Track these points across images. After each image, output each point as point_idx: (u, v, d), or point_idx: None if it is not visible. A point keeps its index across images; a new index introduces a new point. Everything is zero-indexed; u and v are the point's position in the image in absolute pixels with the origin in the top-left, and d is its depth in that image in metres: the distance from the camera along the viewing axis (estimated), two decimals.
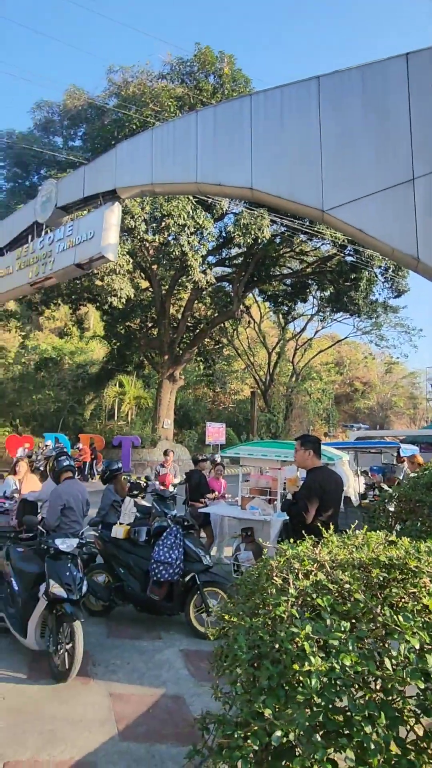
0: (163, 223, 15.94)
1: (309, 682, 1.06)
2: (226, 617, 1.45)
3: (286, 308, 27.48)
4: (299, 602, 1.32)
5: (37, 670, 3.65)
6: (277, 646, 1.19)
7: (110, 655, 3.96)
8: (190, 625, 4.39)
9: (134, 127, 15.05)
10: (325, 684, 1.06)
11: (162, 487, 6.95)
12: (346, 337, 37.80)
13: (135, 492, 6.03)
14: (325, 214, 6.66)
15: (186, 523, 4.75)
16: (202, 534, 6.45)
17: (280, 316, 31.03)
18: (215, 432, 22.18)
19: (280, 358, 33.39)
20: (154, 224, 16.54)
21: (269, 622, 1.26)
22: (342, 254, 20.04)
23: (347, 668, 1.11)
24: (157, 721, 3.04)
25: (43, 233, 11.60)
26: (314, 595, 1.31)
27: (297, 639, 1.17)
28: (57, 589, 3.49)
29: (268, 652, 1.19)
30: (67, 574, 3.59)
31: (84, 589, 3.67)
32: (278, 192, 7.22)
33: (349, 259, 20.57)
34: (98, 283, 17.33)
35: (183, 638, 4.33)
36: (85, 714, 3.10)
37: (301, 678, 1.09)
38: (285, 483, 5.95)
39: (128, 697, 3.32)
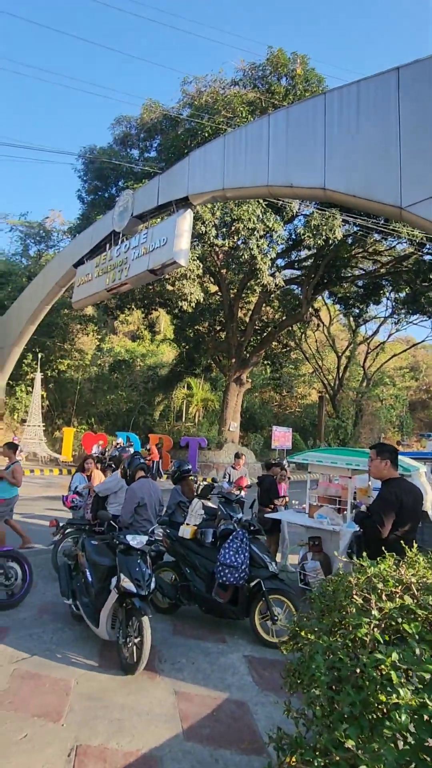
0: (233, 228, 16.06)
1: (398, 717, 0.98)
2: (302, 632, 1.39)
3: (357, 311, 26.46)
4: (382, 626, 1.23)
5: (108, 659, 3.80)
6: (358, 670, 1.12)
7: (176, 653, 4.03)
8: (254, 631, 4.35)
9: (206, 135, 15.33)
10: (416, 720, 0.98)
11: (236, 491, 6.95)
12: (422, 341, 35.62)
13: (209, 495, 6.10)
14: (404, 211, 6.33)
15: (252, 528, 4.72)
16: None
17: (351, 318, 29.94)
18: (281, 436, 21.82)
19: (350, 362, 32.22)
20: (224, 229, 16.72)
21: (349, 644, 1.19)
22: (420, 253, 18.92)
23: None
24: (221, 725, 3.04)
25: (119, 242, 12.20)
26: (400, 620, 1.22)
27: (382, 666, 1.09)
28: (127, 584, 3.61)
29: (348, 677, 1.12)
30: (137, 569, 3.71)
31: (152, 585, 3.77)
32: (352, 190, 6.99)
33: (427, 257, 19.37)
34: (169, 287, 17.86)
35: (247, 644, 4.30)
36: (152, 708, 3.17)
37: (387, 710, 1.01)
38: (356, 492, 5.71)
39: (192, 697, 3.35)
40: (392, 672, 1.06)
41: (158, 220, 11.76)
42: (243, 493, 8.26)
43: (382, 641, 1.17)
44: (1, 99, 76.37)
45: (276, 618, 4.24)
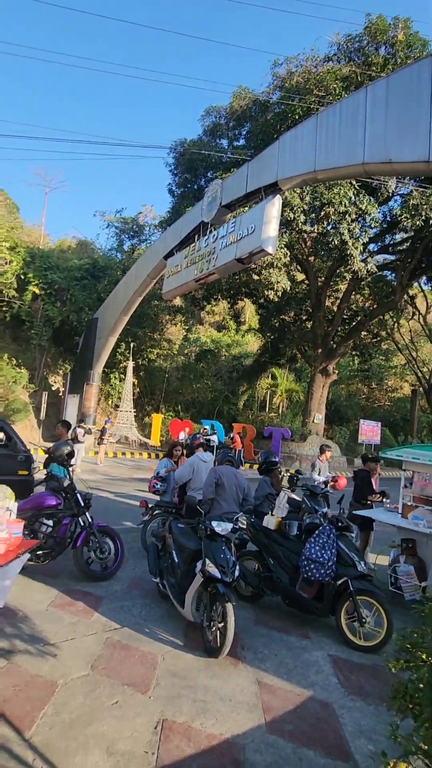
0: (323, 212, 15.43)
1: None
2: (414, 650, 1.24)
3: None
4: None
5: (192, 639, 3.89)
6: None
7: (258, 643, 4.01)
8: (340, 631, 4.18)
9: (297, 117, 14.81)
10: None
11: (333, 490, 6.71)
12: None
13: (294, 486, 5.99)
14: None
15: (340, 524, 4.52)
16: None
17: None
18: (369, 430, 20.78)
19: None
20: (313, 214, 16.13)
21: None
22: None
23: None
24: (305, 723, 2.96)
25: (208, 232, 12.32)
26: None
27: None
28: (212, 569, 3.65)
29: None
30: (222, 556, 3.74)
31: (236, 572, 3.77)
32: None
33: None
34: (255, 277, 17.72)
35: (332, 643, 4.15)
36: (234, 694, 3.19)
37: None
38: None
39: (275, 690, 3.31)
40: None
41: (246, 208, 11.66)
42: (329, 487, 7.98)
43: None
44: (99, 99, 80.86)
45: (364, 620, 4.04)
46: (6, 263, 18.12)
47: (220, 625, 3.59)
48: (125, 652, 3.60)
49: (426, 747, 1.01)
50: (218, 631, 3.61)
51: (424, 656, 1.23)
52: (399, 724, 1.15)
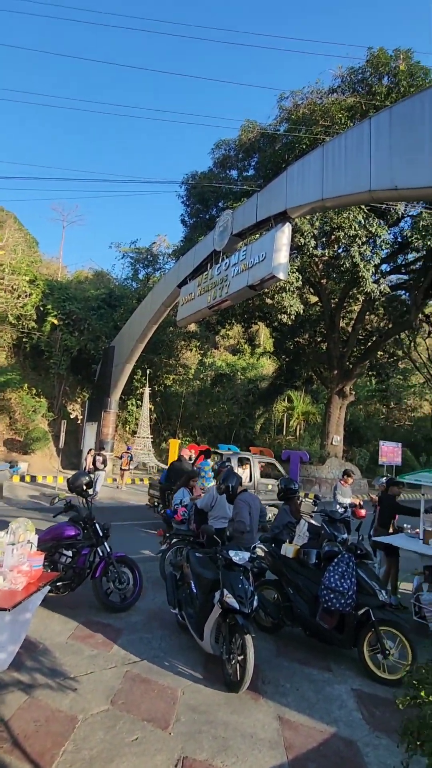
0: (333, 237, 15.63)
1: None
2: (422, 692, 1.25)
3: None
4: None
5: (212, 672, 3.85)
6: None
7: (279, 676, 3.94)
8: (363, 663, 4.08)
9: (304, 147, 15.23)
10: None
11: (355, 518, 6.66)
12: None
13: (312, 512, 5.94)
14: None
15: (359, 552, 4.46)
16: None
17: None
18: (390, 452, 20.38)
19: None
20: (324, 239, 16.36)
21: None
22: None
23: None
24: (329, 762, 2.88)
25: (220, 260, 12.61)
26: None
27: None
28: (230, 599, 3.64)
29: None
30: (240, 586, 3.72)
31: (255, 603, 3.75)
32: None
33: None
34: (268, 301, 17.92)
35: (355, 676, 4.05)
36: (255, 731, 3.13)
37: None
38: None
39: (297, 726, 3.24)
40: None
41: (257, 236, 11.92)
42: (348, 512, 7.86)
43: None
44: (110, 139, 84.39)
45: (388, 652, 3.94)
46: (26, 296, 18.77)
47: (240, 658, 3.56)
48: (145, 686, 3.59)
49: None
50: (238, 664, 3.57)
51: (422, 693, 1.24)
52: (409, 761, 1.15)
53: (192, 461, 9.57)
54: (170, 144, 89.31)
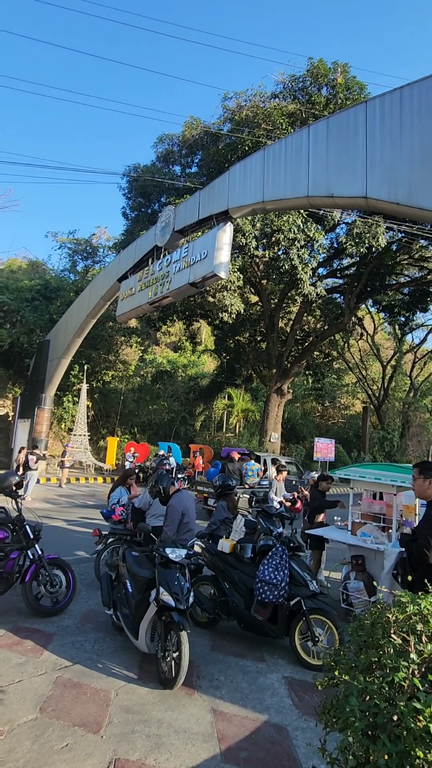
0: (273, 239, 16.04)
1: None
2: (336, 672, 1.33)
3: (403, 319, 25.61)
4: (422, 670, 1.16)
5: (147, 672, 3.82)
6: (395, 718, 1.05)
7: (214, 670, 4.00)
8: (294, 651, 4.24)
9: (246, 148, 15.48)
10: None
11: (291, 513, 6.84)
12: None
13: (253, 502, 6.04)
14: None
15: (292, 544, 4.62)
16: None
17: (396, 327, 29.01)
18: (324, 448, 21.38)
19: (395, 372, 31.14)
20: (264, 240, 16.74)
21: (386, 687, 1.12)
22: None
23: None
24: (260, 749, 2.97)
25: (161, 256, 12.50)
26: None
27: (420, 717, 1.02)
28: (166, 597, 3.63)
29: (385, 724, 1.06)
30: (176, 583, 3.73)
31: (191, 599, 3.77)
32: (395, 198, 6.83)
33: None
34: (210, 299, 18.04)
35: (287, 664, 4.20)
36: (189, 726, 3.16)
37: (426, 766, 0.94)
38: (401, 511, 5.49)
39: (231, 717, 3.31)
40: (431, 724, 0.99)
41: (199, 234, 11.95)
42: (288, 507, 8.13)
43: (421, 688, 1.10)
44: (51, 125, 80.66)
45: (317, 639, 4.12)
46: None
47: (175, 655, 3.56)
48: (76, 690, 3.49)
49: (348, 758, 1.09)
50: (173, 661, 3.57)
51: (336, 672, 1.32)
52: (326, 739, 1.22)
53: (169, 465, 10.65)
54: (113, 134, 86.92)
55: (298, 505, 7.87)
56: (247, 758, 2.87)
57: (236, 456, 11.59)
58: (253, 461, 11.73)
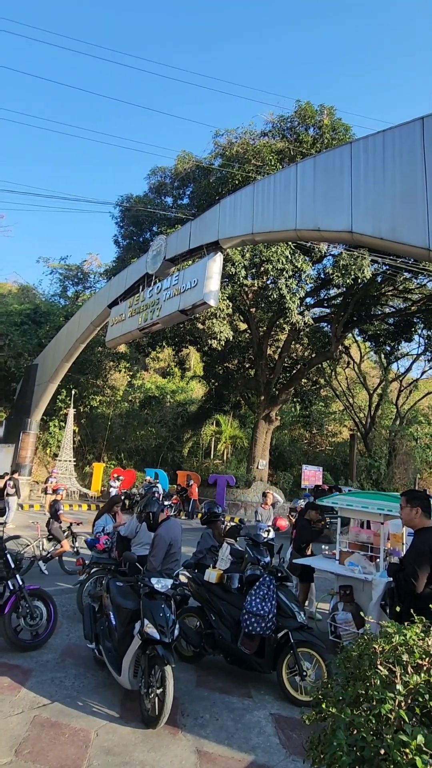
0: (262, 268, 16.42)
1: None
2: (323, 705, 1.31)
3: (388, 348, 26.10)
4: (408, 701, 1.15)
5: (129, 710, 3.68)
6: (382, 752, 1.04)
7: (199, 707, 3.86)
8: (282, 687, 4.12)
9: (237, 182, 16.02)
10: None
11: (267, 533, 6.76)
12: None
13: (236, 536, 5.95)
14: None
15: (280, 575, 4.56)
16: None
17: (382, 356, 29.50)
18: (311, 475, 21.36)
19: (382, 400, 31.47)
20: (253, 270, 17.13)
21: (373, 720, 1.11)
22: None
23: None
24: None
25: (152, 283, 12.68)
26: (426, 696, 1.14)
27: (407, 750, 1.01)
28: (151, 630, 3.53)
29: (372, 758, 1.04)
30: (161, 615, 3.63)
31: (176, 632, 3.66)
32: (379, 233, 7.09)
33: None
34: (199, 326, 18.23)
35: (274, 700, 4.08)
36: None
37: None
38: (389, 540, 5.47)
39: (216, 758, 3.18)
40: (417, 757, 0.98)
41: (189, 262, 12.19)
42: (272, 534, 8.03)
43: (407, 720, 1.09)
44: (47, 155, 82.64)
45: (305, 673, 4.02)
46: None
47: (159, 691, 3.44)
48: (55, 730, 3.33)
49: None
50: (156, 698, 3.44)
51: (323, 706, 1.30)
52: None
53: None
54: (106, 165, 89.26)
55: (284, 522, 7.82)
56: None
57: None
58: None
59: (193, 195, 20.30)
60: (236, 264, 15.23)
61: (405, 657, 1.24)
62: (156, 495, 5.58)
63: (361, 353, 31.21)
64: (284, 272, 15.32)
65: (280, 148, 17.24)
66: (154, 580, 3.83)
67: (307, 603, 6.40)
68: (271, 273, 15.65)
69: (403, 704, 1.14)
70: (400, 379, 31.77)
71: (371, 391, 30.91)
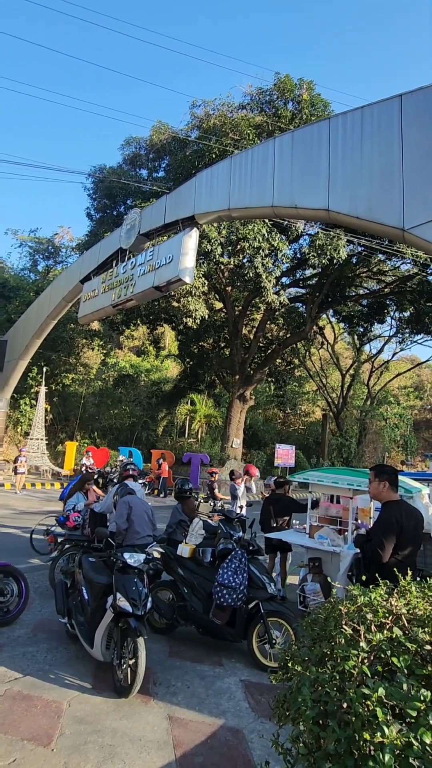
0: (239, 246, 16.25)
1: (381, 757, 0.94)
2: (290, 664, 1.35)
3: (361, 329, 26.54)
4: (371, 658, 1.20)
5: (102, 681, 3.72)
6: (345, 705, 1.08)
7: (171, 676, 3.95)
8: (252, 655, 4.26)
9: (214, 156, 15.64)
10: (401, 761, 0.94)
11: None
12: (427, 360, 35.59)
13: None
14: (406, 233, 6.41)
15: (251, 548, 4.65)
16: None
17: (355, 337, 30.01)
18: (284, 454, 21.77)
19: (354, 381, 32.16)
20: (230, 247, 16.93)
21: (337, 677, 1.15)
22: (424, 274, 19.04)
23: (428, 746, 0.98)
24: (216, 754, 2.95)
25: (126, 259, 12.38)
26: (389, 653, 1.18)
27: (368, 702, 1.06)
28: (123, 603, 3.56)
29: (335, 711, 1.08)
30: (134, 588, 3.66)
31: (149, 605, 3.71)
32: (355, 212, 7.09)
33: (431, 278, 19.50)
34: (174, 304, 18.02)
35: (244, 668, 4.21)
36: (144, 734, 3.10)
37: (372, 749, 0.98)
38: (357, 514, 5.65)
39: (187, 723, 3.27)
40: (378, 708, 1.02)
41: (165, 238, 11.93)
42: (244, 511, 8.17)
43: (369, 674, 1.13)
44: (15, 121, 78.53)
45: (274, 641, 4.15)
46: None
47: (131, 662, 3.49)
48: (26, 703, 3.35)
49: (299, 747, 1.11)
50: (129, 669, 3.49)
51: (290, 665, 1.35)
52: (279, 733, 1.24)
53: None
54: (78, 134, 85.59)
55: (252, 469, 8.33)
56: (203, 763, 2.84)
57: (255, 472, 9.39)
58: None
59: (169, 168, 19.75)
60: (212, 241, 15.00)
61: (369, 616, 1.29)
62: (131, 474, 5.61)
63: (335, 334, 31.65)
64: (261, 251, 15.21)
65: (258, 122, 16.88)
66: (126, 555, 3.85)
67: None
68: (248, 251, 15.51)
69: (366, 661, 1.18)
70: (372, 360, 32.47)
71: (344, 372, 31.50)
